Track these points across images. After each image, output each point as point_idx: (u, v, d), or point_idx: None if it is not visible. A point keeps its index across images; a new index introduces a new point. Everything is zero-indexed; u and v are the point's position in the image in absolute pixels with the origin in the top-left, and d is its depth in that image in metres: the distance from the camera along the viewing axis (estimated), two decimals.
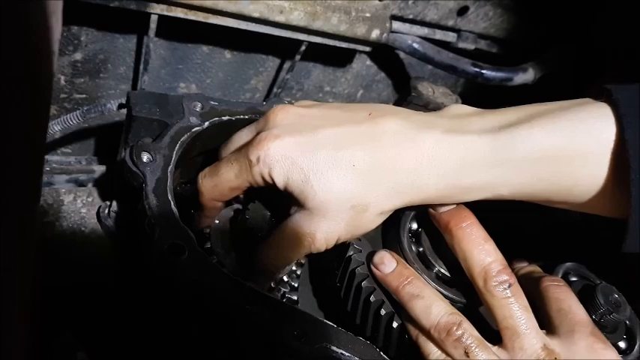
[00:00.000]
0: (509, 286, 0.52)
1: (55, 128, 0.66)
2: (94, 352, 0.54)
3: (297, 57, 0.86)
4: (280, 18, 0.74)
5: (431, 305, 0.53)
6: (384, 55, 0.98)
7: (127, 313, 0.59)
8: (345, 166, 0.53)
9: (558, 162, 0.51)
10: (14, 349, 0.31)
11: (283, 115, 0.57)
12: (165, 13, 0.70)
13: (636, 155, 0.47)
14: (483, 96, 1.05)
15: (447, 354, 0.52)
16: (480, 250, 0.54)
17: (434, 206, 0.58)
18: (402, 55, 1.00)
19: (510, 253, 0.56)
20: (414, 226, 0.63)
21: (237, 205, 0.66)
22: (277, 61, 0.92)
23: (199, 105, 0.64)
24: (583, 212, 0.55)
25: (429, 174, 0.53)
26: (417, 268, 0.58)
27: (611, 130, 0.49)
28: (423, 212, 0.60)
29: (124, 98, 0.64)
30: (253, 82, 0.94)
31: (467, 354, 0.50)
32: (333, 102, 1.03)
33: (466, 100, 0.69)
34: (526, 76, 0.97)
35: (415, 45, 0.89)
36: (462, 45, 0.95)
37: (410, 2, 0.86)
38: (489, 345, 0.52)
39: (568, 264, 0.65)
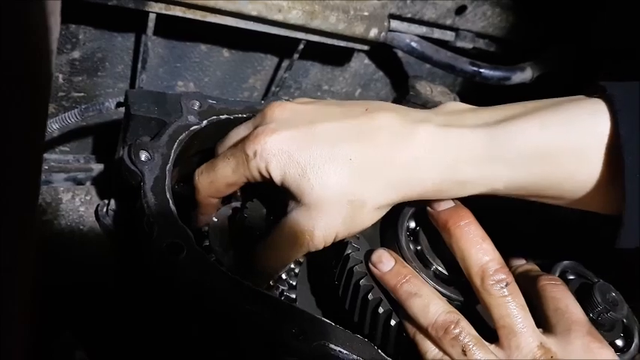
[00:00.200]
0: (506, 285, 0.53)
1: (54, 127, 0.66)
2: (94, 352, 0.54)
3: (296, 56, 0.86)
4: (278, 17, 0.74)
5: (429, 303, 0.53)
6: (382, 53, 0.98)
7: (126, 312, 0.59)
8: (341, 160, 0.53)
9: (552, 157, 0.51)
10: (14, 349, 0.31)
11: (280, 110, 0.57)
12: (164, 11, 0.70)
13: (630, 150, 0.47)
14: (481, 95, 1.04)
15: (445, 352, 0.52)
16: (478, 249, 0.54)
17: (432, 204, 0.58)
18: (400, 53, 1.00)
19: (508, 251, 0.57)
20: (412, 224, 0.63)
21: (235, 204, 0.66)
22: (275, 59, 0.92)
23: (197, 104, 0.64)
24: (579, 209, 0.55)
25: (425, 168, 0.54)
26: (415, 266, 0.59)
27: (605, 126, 0.50)
28: (421, 211, 0.60)
29: (122, 97, 0.64)
30: (251, 81, 0.94)
31: (464, 352, 0.51)
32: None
33: (464, 99, 0.69)
34: (524, 75, 0.97)
35: (413, 44, 0.89)
36: (460, 44, 0.95)
37: (408, 1, 0.86)
38: (486, 343, 0.52)
39: (565, 262, 0.65)
